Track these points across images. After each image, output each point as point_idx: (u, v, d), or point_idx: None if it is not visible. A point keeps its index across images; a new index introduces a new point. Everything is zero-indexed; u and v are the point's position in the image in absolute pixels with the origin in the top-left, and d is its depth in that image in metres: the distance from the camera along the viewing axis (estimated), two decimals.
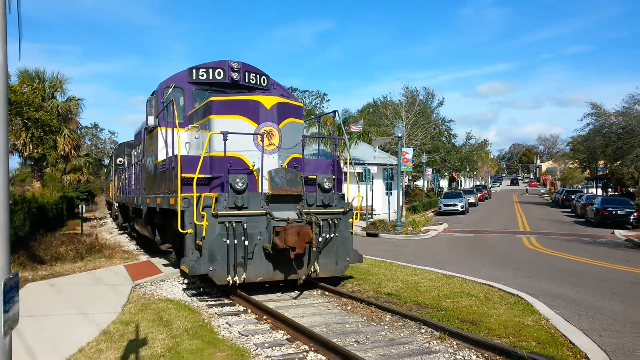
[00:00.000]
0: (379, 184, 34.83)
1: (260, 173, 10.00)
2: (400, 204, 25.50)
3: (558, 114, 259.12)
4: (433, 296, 9.48)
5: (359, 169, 35.92)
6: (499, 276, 11.87)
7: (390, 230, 23.60)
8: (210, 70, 12.01)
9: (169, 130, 11.06)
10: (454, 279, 11.31)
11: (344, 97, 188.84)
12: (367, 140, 41.29)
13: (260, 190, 9.92)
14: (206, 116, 10.52)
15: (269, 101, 10.21)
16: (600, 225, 27.07)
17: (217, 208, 9.22)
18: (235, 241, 9.24)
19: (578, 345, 6.52)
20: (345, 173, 13.39)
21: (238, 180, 9.38)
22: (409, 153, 32.32)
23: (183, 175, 9.41)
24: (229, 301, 9.51)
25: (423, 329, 7.40)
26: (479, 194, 54.34)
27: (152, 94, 12.47)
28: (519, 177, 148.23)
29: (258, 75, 12.53)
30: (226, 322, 7.90)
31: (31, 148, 25.98)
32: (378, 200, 37.76)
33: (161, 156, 12.02)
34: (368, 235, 23.57)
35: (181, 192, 9.29)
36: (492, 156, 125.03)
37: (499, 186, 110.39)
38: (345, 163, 35.60)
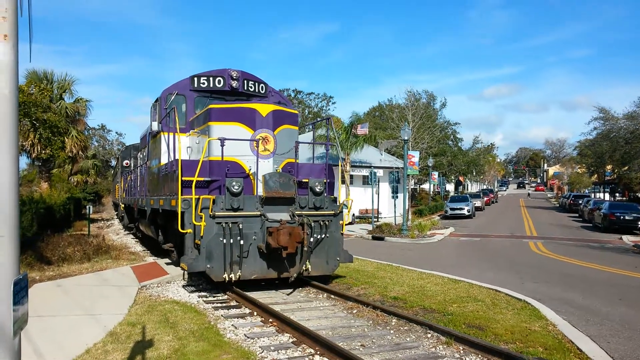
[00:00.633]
0: (385, 187, 34.79)
1: (255, 177, 10.60)
2: (406, 207, 25.44)
3: (564, 117, 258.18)
4: (439, 301, 9.44)
5: (365, 172, 35.93)
6: (506, 281, 11.81)
7: (396, 234, 23.53)
8: (211, 79, 12.68)
9: (171, 135, 11.65)
10: (461, 283, 11.26)
11: (349, 99, 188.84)
12: (374, 143, 41.26)
13: (255, 193, 10.54)
14: (206, 122, 11.12)
15: (264, 109, 10.84)
16: (607, 230, 26.89)
17: (214, 209, 9.82)
18: (232, 241, 9.86)
19: (586, 351, 6.47)
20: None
21: (234, 183, 9.99)
22: (415, 156, 32.31)
23: (183, 178, 10.00)
24: (235, 303, 9.53)
25: (429, 333, 7.37)
26: (485, 198, 54.22)
27: (156, 101, 13.08)
28: (526, 181, 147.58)
29: (256, 83, 13.17)
30: (232, 325, 7.90)
31: (39, 149, 26.12)
32: (384, 203, 37.69)
33: (164, 160, 12.50)
34: (374, 238, 23.53)
35: (181, 195, 9.90)
36: (498, 160, 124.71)
37: (505, 190, 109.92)
38: (352, 166, 35.57)
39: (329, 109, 75.02)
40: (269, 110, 10.88)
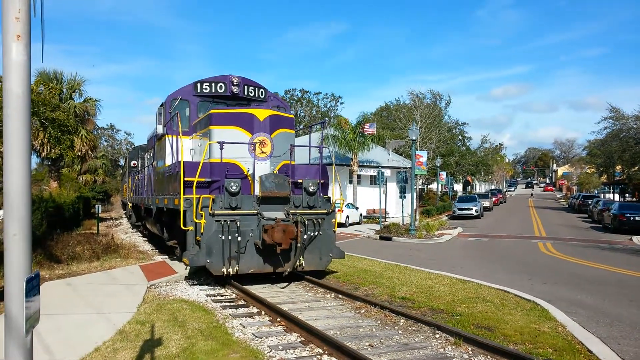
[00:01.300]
0: (393, 187, 34.73)
1: (253, 178, 11.28)
2: (414, 207, 25.38)
3: (573, 118, 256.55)
4: (448, 301, 9.41)
5: (372, 172, 35.90)
6: (515, 282, 11.75)
7: (403, 234, 23.47)
8: (213, 84, 13.39)
9: (174, 138, 12.22)
10: (469, 284, 11.22)
11: (358, 100, 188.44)
12: (381, 143, 41.21)
13: (253, 193, 11.22)
14: (207, 126, 11.76)
15: (262, 114, 11.52)
16: (617, 231, 26.67)
17: (214, 208, 10.50)
18: (230, 237, 10.53)
19: (596, 353, 6.43)
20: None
21: (232, 184, 10.66)
22: (423, 156, 32.22)
23: (186, 179, 10.63)
24: (243, 302, 9.57)
25: (437, 334, 7.35)
26: (493, 198, 53.95)
27: (162, 105, 13.75)
28: (534, 182, 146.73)
29: (256, 89, 13.85)
30: (240, 324, 7.92)
31: (49, 148, 26.27)
32: (392, 203, 37.64)
33: (168, 161, 13.21)
34: (381, 238, 23.50)
35: (184, 194, 10.55)
36: (507, 160, 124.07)
37: (514, 190, 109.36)
38: (360, 166, 35.53)
39: (337, 109, 75.06)
40: (266, 115, 11.54)
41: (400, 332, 7.55)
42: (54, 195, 22.65)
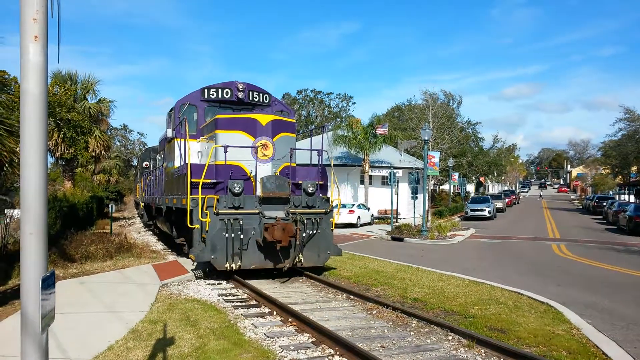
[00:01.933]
0: (405, 188, 34.61)
1: (255, 179, 11.95)
2: (426, 208, 25.26)
3: (587, 117, 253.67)
4: (460, 303, 9.34)
5: (384, 173, 35.77)
6: (528, 284, 11.63)
7: (415, 235, 23.37)
8: (220, 90, 14.16)
9: (183, 141, 12.90)
10: (482, 285, 11.13)
11: (370, 99, 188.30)
12: (393, 143, 41.06)
13: (255, 194, 11.88)
14: (213, 130, 12.41)
15: (264, 119, 12.18)
16: (633, 233, 26.32)
17: (218, 207, 11.22)
18: (233, 235, 11.22)
19: (611, 356, 6.35)
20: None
21: (235, 185, 11.39)
22: (435, 157, 32.04)
23: (192, 180, 11.31)
24: (255, 302, 9.59)
25: (450, 335, 7.30)
26: (507, 200, 53.53)
27: (171, 110, 14.52)
28: (548, 182, 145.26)
29: (261, 94, 14.62)
30: (252, 324, 7.93)
31: (63, 148, 26.53)
32: (403, 204, 37.51)
33: (177, 163, 13.97)
34: (393, 239, 23.42)
35: (190, 194, 11.28)
36: (520, 161, 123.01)
37: (527, 191, 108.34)
38: (371, 166, 35.45)
39: (349, 109, 74.98)
40: (269, 120, 12.19)
41: (412, 333, 7.52)
42: (67, 195, 22.90)
